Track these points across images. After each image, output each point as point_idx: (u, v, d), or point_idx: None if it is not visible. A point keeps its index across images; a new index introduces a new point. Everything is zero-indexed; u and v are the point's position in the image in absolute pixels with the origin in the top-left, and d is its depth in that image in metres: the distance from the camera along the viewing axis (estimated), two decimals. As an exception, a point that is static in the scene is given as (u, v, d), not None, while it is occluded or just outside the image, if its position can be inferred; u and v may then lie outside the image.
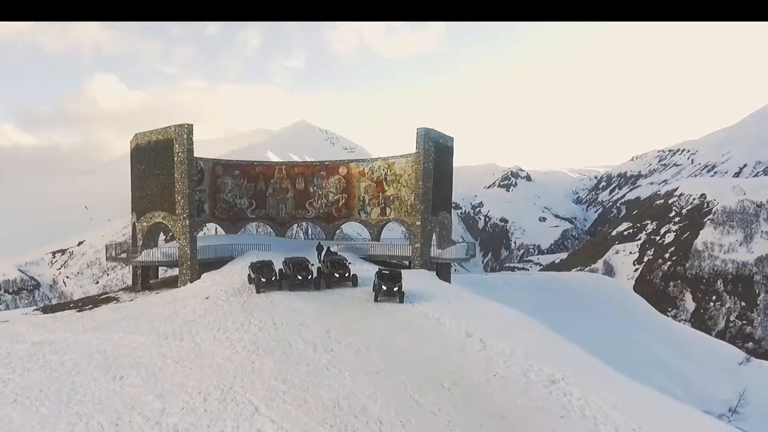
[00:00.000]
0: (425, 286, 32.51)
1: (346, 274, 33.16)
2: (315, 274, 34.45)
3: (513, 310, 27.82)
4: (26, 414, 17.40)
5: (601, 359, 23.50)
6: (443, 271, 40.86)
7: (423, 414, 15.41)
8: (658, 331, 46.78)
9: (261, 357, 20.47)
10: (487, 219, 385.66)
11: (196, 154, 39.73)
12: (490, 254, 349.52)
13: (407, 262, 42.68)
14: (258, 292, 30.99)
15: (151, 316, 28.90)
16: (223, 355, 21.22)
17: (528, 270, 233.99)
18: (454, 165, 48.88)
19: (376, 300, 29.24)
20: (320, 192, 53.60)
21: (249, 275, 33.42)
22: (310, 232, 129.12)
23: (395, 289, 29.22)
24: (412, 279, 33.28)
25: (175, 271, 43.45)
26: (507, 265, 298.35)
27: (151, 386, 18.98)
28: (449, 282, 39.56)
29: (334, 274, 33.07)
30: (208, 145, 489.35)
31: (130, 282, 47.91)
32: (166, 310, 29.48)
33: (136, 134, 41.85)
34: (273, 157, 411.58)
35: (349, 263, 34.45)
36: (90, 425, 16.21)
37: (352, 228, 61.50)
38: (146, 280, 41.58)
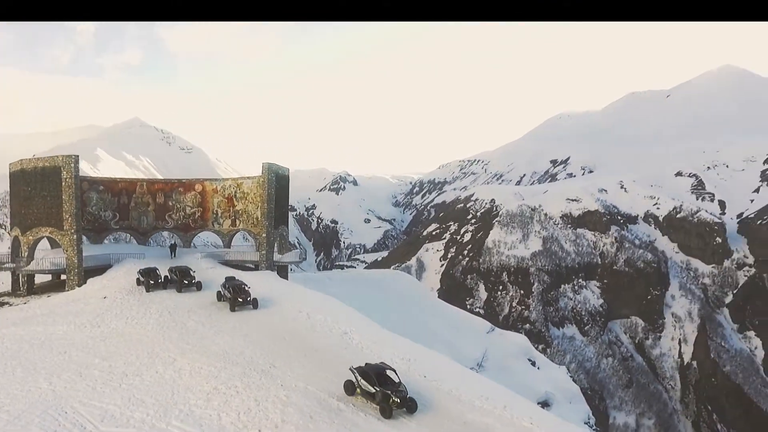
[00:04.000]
0: (271, 284, 42.71)
1: (248, 298, 35.16)
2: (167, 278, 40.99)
3: (328, 296, 39.13)
4: (6, 377, 24.95)
5: (391, 330, 35.30)
6: (283, 271, 51.11)
7: (274, 351, 26.29)
8: (434, 311, 61.52)
9: (167, 332, 29.71)
10: (319, 220, 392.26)
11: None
12: (322, 253, 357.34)
13: (254, 266, 52.28)
14: (148, 291, 38.75)
15: (61, 313, 35.35)
16: (138, 333, 30.00)
17: (355, 267, 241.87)
18: (291, 169, 58.91)
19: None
20: (179, 206, 60.34)
21: (138, 279, 40.31)
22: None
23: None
24: (261, 279, 43.37)
25: (49, 278, 48.89)
26: (337, 263, 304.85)
27: (92, 354, 27.32)
28: (287, 279, 49.96)
29: (237, 299, 34.80)
30: (27, 141, 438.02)
31: (8, 289, 50.68)
32: (72, 308, 36.17)
33: (21, 160, 46.57)
34: (103, 156, 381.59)
35: (248, 287, 36.22)
36: (62, 378, 24.45)
37: (207, 236, 67.65)
38: (31, 285, 46.34)
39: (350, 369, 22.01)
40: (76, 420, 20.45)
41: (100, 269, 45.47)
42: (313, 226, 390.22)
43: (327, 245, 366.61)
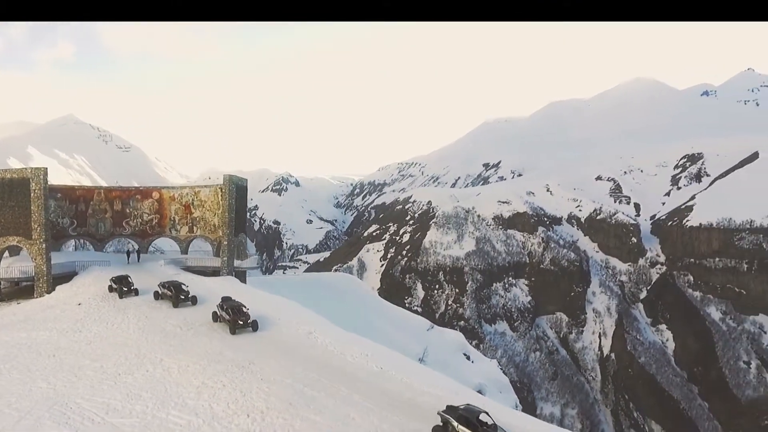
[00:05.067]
0: (233, 288, 45.57)
1: (248, 320, 33.36)
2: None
3: (290, 300, 42.50)
4: (5, 379, 27.14)
5: (342, 327, 39.20)
6: (241, 276, 53.86)
7: (251, 351, 29.67)
8: (380, 311, 65.71)
9: (149, 335, 32.40)
10: (261, 221, 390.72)
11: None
12: (264, 254, 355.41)
13: (211, 271, 54.62)
14: (121, 298, 40.76)
15: (39, 319, 36.96)
16: (121, 336, 32.51)
17: (298, 267, 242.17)
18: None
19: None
20: (136, 212, 61.74)
21: (110, 286, 41.92)
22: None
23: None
24: (224, 284, 46.19)
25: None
26: (280, 264, 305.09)
27: (82, 357, 29.75)
28: (245, 283, 52.80)
29: (237, 321, 32.99)
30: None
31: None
32: (49, 314, 37.84)
33: (-12, 172, 47.31)
34: (35, 154, 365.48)
35: (247, 309, 34.37)
36: (59, 378, 26.90)
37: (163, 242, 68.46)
38: (-1, 293, 47.11)
39: (439, 413, 20.28)
40: (83, 413, 23.14)
41: (66, 277, 46.79)
42: (256, 227, 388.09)
43: (269, 246, 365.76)
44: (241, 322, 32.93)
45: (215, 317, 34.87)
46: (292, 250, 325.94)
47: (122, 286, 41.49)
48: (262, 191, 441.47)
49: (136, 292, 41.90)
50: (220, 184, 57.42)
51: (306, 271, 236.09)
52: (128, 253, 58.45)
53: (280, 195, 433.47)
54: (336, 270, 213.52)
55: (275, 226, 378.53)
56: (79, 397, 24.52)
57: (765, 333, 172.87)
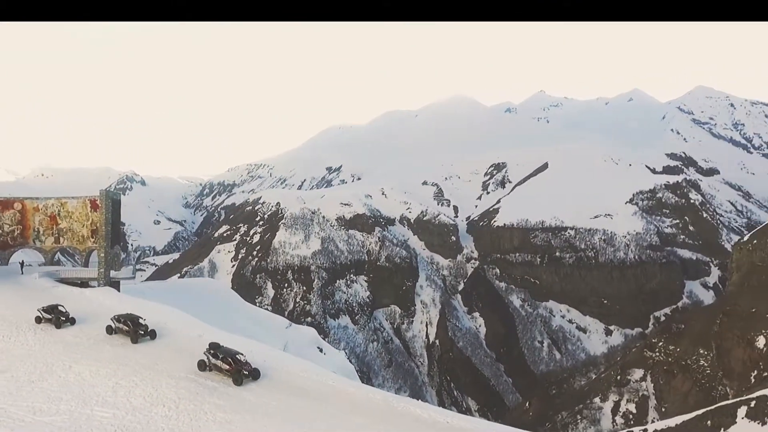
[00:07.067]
0: (111, 299, 47.19)
1: (251, 368, 30.68)
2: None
3: (173, 308, 45.57)
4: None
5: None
6: (115, 286, 54.70)
7: (154, 354, 33.40)
8: (242, 312, 69.74)
9: (51, 346, 34.30)
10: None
11: None
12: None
13: (80, 282, 54.34)
14: (58, 328, 37.86)
15: None
16: (23, 349, 33.98)
17: (144, 270, 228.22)
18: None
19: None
20: (-5, 223, 59.00)
21: (38, 317, 38.51)
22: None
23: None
24: (102, 294, 47.66)
25: None
26: (126, 267, 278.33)
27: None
28: (119, 291, 53.87)
29: (242, 371, 30.20)
30: None
31: None
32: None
33: None
34: None
35: (243, 355, 31.44)
36: None
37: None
38: None
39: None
40: (12, 416, 24.85)
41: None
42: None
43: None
44: (247, 372, 30.28)
45: (203, 366, 31.26)
46: (139, 252, 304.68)
47: (59, 316, 38.39)
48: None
49: (73, 322, 39.06)
50: (90, 196, 57.62)
51: (154, 273, 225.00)
52: (21, 264, 56.31)
53: (124, 194, 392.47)
54: (186, 271, 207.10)
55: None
56: (1, 404, 25.88)
57: (554, 316, 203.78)
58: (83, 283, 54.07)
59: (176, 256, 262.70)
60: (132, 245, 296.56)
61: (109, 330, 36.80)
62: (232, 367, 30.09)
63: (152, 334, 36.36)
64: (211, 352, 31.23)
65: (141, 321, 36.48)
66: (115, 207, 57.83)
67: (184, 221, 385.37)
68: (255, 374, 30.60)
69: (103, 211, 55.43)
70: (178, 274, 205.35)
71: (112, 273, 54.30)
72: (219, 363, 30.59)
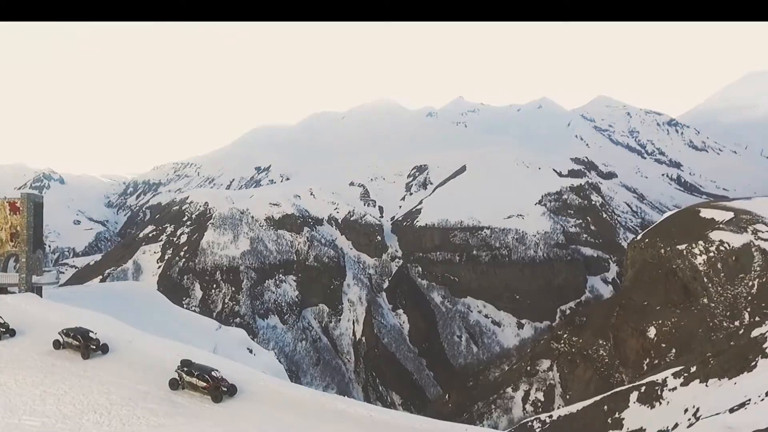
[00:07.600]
0: (36, 306, 45.67)
1: (228, 384, 29.42)
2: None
3: (103, 314, 44.79)
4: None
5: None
6: (38, 292, 52.66)
7: (81, 362, 33.19)
8: (171, 315, 68.78)
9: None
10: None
11: None
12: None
13: (13, 288, 51.83)
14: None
15: None
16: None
17: (64, 272, 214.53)
18: None
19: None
20: None
21: None
22: None
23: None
24: (24, 300, 46.05)
25: None
26: (43, 270, 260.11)
27: None
28: (42, 297, 51.98)
29: (221, 388, 28.84)
30: None
31: None
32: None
33: None
34: None
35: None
36: None
37: None
38: None
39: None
40: None
41: None
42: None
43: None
44: (225, 389, 28.82)
45: (174, 385, 29.73)
46: (57, 254, 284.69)
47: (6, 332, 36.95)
48: (19, 188, 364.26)
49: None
50: (6, 198, 55.13)
51: (74, 275, 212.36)
52: None
53: (41, 193, 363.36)
54: (109, 273, 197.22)
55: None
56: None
57: (471, 312, 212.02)
58: (1, 289, 51.82)
59: (98, 257, 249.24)
60: (50, 246, 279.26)
61: (57, 345, 34.62)
62: (210, 385, 28.43)
63: (104, 349, 34.48)
64: (185, 369, 29.49)
65: (92, 335, 34.34)
66: (37, 210, 55.64)
67: (107, 221, 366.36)
68: (232, 390, 29.02)
69: (24, 214, 53.26)
70: (101, 276, 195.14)
71: (35, 278, 52.34)
72: (194, 380, 28.84)
